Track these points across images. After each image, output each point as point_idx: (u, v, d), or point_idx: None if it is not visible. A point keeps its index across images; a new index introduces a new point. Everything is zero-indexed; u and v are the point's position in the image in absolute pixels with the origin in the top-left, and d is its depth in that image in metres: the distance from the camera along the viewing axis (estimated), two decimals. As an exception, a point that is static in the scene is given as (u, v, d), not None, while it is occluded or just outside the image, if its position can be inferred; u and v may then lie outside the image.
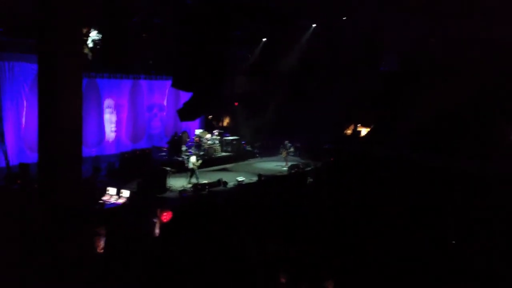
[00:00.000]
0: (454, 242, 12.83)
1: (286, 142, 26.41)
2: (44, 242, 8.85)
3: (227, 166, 25.51)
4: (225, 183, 20.73)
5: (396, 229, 13.68)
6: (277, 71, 30.34)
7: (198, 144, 25.46)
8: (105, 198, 16.77)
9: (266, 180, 21.70)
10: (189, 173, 20.73)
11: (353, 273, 10.08)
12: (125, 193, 17.19)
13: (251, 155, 28.09)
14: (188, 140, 26.09)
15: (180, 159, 23.42)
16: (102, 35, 21.45)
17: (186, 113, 20.35)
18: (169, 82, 25.28)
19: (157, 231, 10.72)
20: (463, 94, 24.27)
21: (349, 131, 30.92)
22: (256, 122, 29.35)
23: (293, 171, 24.15)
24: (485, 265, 10.71)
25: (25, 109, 20.10)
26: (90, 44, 21.14)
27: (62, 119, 10.55)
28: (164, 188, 19.44)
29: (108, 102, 23.98)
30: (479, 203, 16.28)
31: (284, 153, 26.16)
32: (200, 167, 21.33)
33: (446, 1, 24.34)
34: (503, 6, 23.11)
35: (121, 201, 16.85)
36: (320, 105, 28.18)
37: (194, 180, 20.55)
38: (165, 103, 27.42)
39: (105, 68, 23.22)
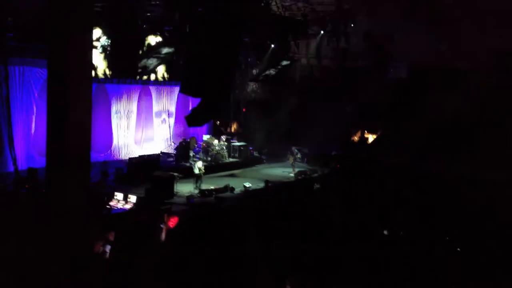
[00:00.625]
0: (459, 249, 12.81)
1: (293, 148, 26.40)
2: (52, 247, 8.89)
3: (235, 172, 25.53)
4: (232, 189, 20.75)
5: (403, 236, 13.66)
6: (285, 77, 30.39)
7: (206, 150, 25.51)
8: (112, 203, 16.82)
9: (273, 186, 21.72)
10: (195, 179, 20.78)
11: (359, 279, 10.08)
12: (133, 198, 17.24)
13: (259, 161, 28.10)
14: (196, 146, 26.15)
15: (187, 164, 23.47)
16: (112, 40, 21.59)
17: (194, 119, 20.29)
18: (177, 88, 25.35)
19: (163, 235, 10.75)
20: (472, 102, 24.22)
21: (356, 138, 30.89)
22: (263, 128, 29.39)
23: (300, 177, 24.14)
24: (488, 269, 10.69)
25: (34, 114, 20.22)
26: (100, 50, 21.30)
27: (71, 125, 10.58)
28: (172, 193, 19.48)
29: (116, 107, 24.08)
30: (486, 209, 16.23)
31: (291, 159, 26.15)
32: (207, 172, 21.36)
33: (455, 9, 24.36)
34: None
35: (128, 206, 16.89)
36: (327, 112, 28.19)
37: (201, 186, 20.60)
38: (173, 109, 27.51)
39: (114, 73, 23.35)
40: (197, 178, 20.75)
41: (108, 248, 8.75)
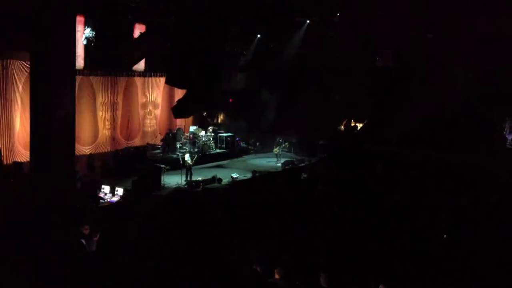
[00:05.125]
0: (445, 236, 12.92)
1: (278, 138, 26.44)
2: (38, 240, 8.84)
3: (222, 162, 25.50)
4: (220, 180, 20.72)
5: (390, 224, 13.74)
6: (271, 67, 30.32)
7: (193, 141, 25.43)
8: (99, 196, 16.76)
9: (260, 177, 21.74)
10: (184, 171, 20.72)
11: (347, 267, 10.12)
12: (120, 191, 17.19)
13: (246, 152, 28.07)
14: (182, 137, 26.06)
15: (174, 156, 23.40)
16: (96, 32, 21.35)
17: (180, 110, 20.32)
18: (163, 79, 25.18)
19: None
20: (458, 90, 24.36)
21: (343, 127, 30.96)
22: (250, 119, 29.34)
23: (287, 167, 24.17)
24: (479, 259, 10.77)
25: (19, 107, 20.02)
26: (84, 42, 21.06)
27: (55, 118, 10.53)
28: (159, 185, 19.41)
29: (102, 99, 23.89)
30: (473, 197, 16.37)
31: (276, 149, 26.16)
32: (195, 164, 21.31)
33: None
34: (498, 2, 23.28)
35: (115, 199, 16.84)
36: (314, 101, 28.21)
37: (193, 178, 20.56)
38: (159, 100, 27.36)
39: (99, 65, 23.09)
40: (186, 170, 20.68)
41: (83, 241, 8.67)
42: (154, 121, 27.17)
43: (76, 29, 16.50)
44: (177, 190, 19.02)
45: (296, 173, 22.56)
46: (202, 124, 29.04)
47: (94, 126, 23.45)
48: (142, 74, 26.08)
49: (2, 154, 18.79)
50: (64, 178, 10.74)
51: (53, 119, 10.49)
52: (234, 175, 21.40)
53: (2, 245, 8.30)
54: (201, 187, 19.72)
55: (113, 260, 6.89)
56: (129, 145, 24.45)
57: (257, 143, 29.01)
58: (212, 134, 26.96)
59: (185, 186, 19.76)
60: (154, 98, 27.09)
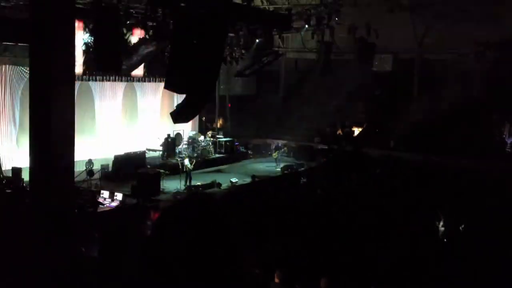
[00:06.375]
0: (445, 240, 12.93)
1: (278, 142, 26.42)
2: (38, 246, 8.83)
3: (221, 167, 25.47)
4: (219, 184, 20.71)
5: (389, 228, 13.74)
6: (270, 72, 30.36)
7: (192, 146, 25.42)
8: (98, 201, 16.76)
9: (260, 181, 21.74)
10: (183, 176, 20.71)
11: (347, 271, 10.12)
12: (119, 196, 17.18)
13: (245, 156, 28.05)
14: (181, 142, 26.04)
15: (174, 161, 23.39)
16: (95, 37, 21.36)
17: (179, 115, 20.28)
18: (162, 84, 25.22)
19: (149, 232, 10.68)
20: (456, 94, 24.40)
21: (341, 131, 30.97)
22: (249, 123, 29.36)
23: (286, 171, 24.16)
24: (478, 262, 10.76)
25: (18, 112, 20.03)
26: (83, 47, 21.07)
27: (54, 123, 10.51)
28: (158, 190, 19.40)
29: (101, 104, 23.89)
30: (472, 200, 16.37)
31: (275, 154, 26.14)
32: (194, 168, 21.31)
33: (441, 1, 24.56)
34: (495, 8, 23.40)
35: (114, 204, 16.83)
36: (313, 106, 28.24)
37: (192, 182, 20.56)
38: (158, 105, 27.35)
39: (98, 70, 23.10)
40: (186, 175, 20.66)
41: (95, 248, 8.71)
42: (153, 126, 27.16)
43: (75, 35, 16.57)
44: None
45: (295, 177, 22.56)
46: (201, 129, 29.03)
47: (93, 131, 23.45)
48: (141, 79, 26.08)
49: (1, 160, 18.81)
50: (63, 183, 10.73)
51: (52, 125, 10.48)
52: (234, 180, 21.40)
53: (1, 251, 8.30)
54: (200, 192, 19.70)
55: (115, 264, 6.90)
56: (128, 150, 24.42)
57: (256, 148, 29.02)
58: (211, 138, 26.94)
59: (185, 191, 19.73)
60: (153, 103, 27.09)
